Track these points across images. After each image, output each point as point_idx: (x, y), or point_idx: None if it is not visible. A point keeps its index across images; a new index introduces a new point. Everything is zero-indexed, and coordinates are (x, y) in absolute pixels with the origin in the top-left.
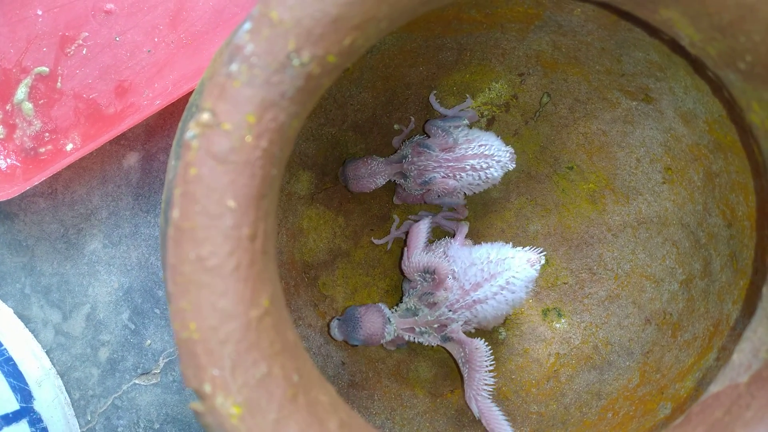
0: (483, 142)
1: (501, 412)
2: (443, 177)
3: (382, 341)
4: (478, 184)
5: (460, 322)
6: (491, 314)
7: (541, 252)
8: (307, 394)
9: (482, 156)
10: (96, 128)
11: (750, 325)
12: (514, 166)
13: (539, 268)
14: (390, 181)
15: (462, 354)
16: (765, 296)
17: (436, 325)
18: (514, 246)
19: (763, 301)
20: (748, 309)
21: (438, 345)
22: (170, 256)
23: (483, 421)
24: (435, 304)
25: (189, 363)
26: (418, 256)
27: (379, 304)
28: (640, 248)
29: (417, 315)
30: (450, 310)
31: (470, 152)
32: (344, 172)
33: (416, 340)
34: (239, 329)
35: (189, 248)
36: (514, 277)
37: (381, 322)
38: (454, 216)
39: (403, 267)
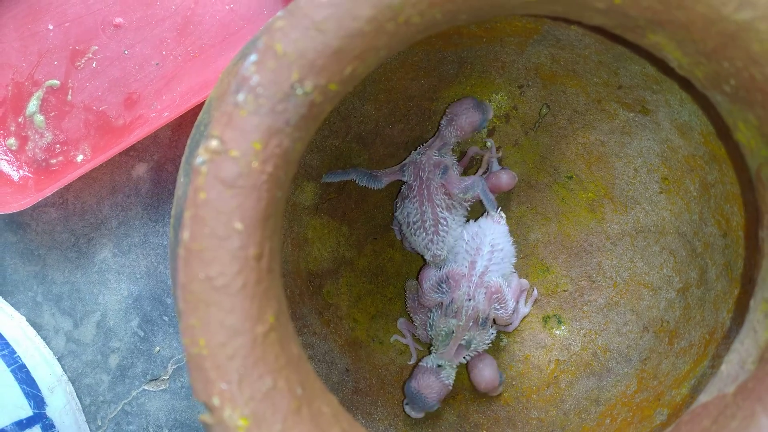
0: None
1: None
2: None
3: (448, 382)
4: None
5: (480, 303)
6: (500, 276)
7: (498, 209)
8: (310, 405)
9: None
10: (106, 140)
11: (738, 337)
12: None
13: (505, 221)
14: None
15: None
16: (752, 309)
17: (471, 323)
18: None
19: (750, 313)
20: (741, 318)
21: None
22: (180, 276)
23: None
24: (458, 308)
25: (198, 377)
26: (430, 279)
27: (421, 362)
28: (638, 256)
29: (453, 332)
30: (470, 299)
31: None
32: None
33: (477, 350)
34: (246, 345)
35: (198, 268)
36: (493, 237)
37: (434, 379)
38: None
39: (422, 296)
